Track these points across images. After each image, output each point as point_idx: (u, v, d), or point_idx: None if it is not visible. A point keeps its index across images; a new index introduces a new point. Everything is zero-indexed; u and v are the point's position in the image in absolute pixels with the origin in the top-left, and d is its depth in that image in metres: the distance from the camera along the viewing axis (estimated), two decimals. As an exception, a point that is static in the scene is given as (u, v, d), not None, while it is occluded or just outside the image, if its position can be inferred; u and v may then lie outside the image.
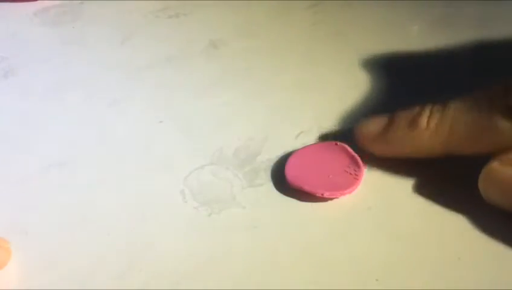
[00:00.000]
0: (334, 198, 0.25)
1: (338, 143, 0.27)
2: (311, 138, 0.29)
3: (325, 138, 0.29)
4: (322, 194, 0.25)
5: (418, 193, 0.26)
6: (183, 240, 0.24)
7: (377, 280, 0.22)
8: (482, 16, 0.39)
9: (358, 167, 0.26)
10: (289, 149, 0.28)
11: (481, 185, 0.24)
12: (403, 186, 0.26)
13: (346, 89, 0.33)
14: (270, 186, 0.27)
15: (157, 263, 0.23)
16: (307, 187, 0.26)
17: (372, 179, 0.26)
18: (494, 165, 0.23)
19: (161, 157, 0.29)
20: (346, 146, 0.27)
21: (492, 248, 0.23)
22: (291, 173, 0.27)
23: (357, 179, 0.26)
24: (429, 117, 0.24)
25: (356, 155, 0.27)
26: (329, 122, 0.30)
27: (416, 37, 0.37)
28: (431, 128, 0.24)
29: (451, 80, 0.33)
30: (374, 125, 0.26)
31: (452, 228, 0.24)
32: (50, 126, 0.31)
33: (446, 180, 0.26)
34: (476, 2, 0.40)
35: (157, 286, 0.23)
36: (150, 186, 0.27)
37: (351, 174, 0.26)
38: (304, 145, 0.28)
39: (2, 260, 0.23)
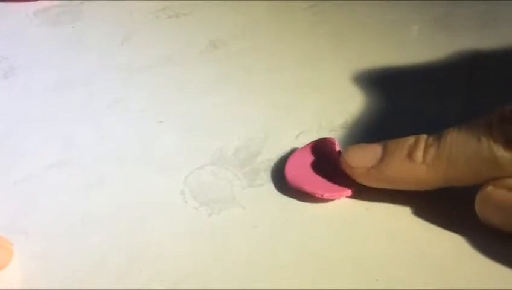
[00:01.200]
0: (334, 199, 0.25)
1: (331, 138, 0.27)
2: (311, 138, 0.29)
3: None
4: (322, 195, 0.25)
5: (417, 193, 0.26)
6: (183, 240, 0.24)
7: (377, 280, 0.22)
8: (482, 16, 0.39)
9: None
10: (289, 149, 0.28)
11: (477, 207, 0.23)
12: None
13: (346, 89, 0.33)
14: (270, 186, 0.27)
15: (157, 263, 0.23)
16: (306, 187, 0.26)
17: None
18: (489, 188, 0.22)
19: (161, 158, 0.29)
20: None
21: (493, 248, 0.23)
22: (291, 173, 0.26)
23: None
24: (425, 150, 0.23)
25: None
26: (329, 122, 0.30)
27: (416, 37, 0.37)
28: (427, 162, 0.23)
29: (451, 80, 0.33)
30: (363, 158, 0.25)
31: (452, 228, 0.24)
32: (50, 126, 0.31)
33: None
34: (476, 2, 0.40)
35: (157, 286, 0.23)
36: (150, 186, 0.27)
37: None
38: (304, 145, 0.28)
39: (3, 261, 0.23)
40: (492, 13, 0.39)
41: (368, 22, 0.39)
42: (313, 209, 0.25)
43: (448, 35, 0.37)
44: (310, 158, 0.27)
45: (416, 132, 0.28)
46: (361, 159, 0.25)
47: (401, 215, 0.25)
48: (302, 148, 0.28)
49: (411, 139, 0.24)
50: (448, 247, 0.23)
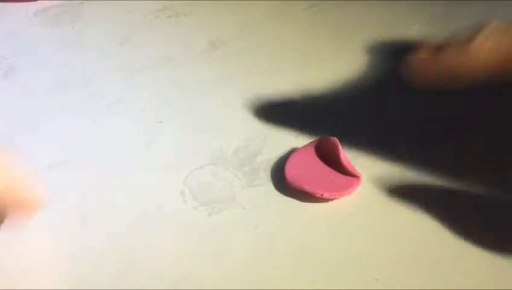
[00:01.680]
0: (333, 199, 0.25)
1: (332, 138, 0.27)
2: (311, 138, 0.29)
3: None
4: (322, 195, 0.25)
5: (418, 193, 0.26)
6: (183, 240, 0.24)
7: (376, 279, 0.22)
8: (482, 16, 0.39)
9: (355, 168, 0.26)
10: (289, 149, 0.28)
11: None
12: (402, 186, 0.26)
13: (346, 89, 0.33)
14: (270, 186, 0.27)
15: (157, 263, 0.23)
16: (306, 187, 0.26)
17: (372, 179, 0.26)
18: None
19: (161, 157, 0.29)
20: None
21: (493, 247, 0.23)
22: (291, 173, 0.27)
23: (357, 180, 0.26)
24: (486, 35, 0.23)
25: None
26: (329, 122, 0.30)
27: (416, 37, 0.37)
28: (488, 45, 0.23)
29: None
30: (425, 50, 0.25)
31: (452, 228, 0.24)
32: (50, 126, 0.31)
33: (446, 180, 0.26)
34: (476, 2, 0.40)
35: (157, 286, 0.23)
36: (150, 186, 0.27)
37: (350, 175, 0.26)
38: (304, 145, 0.28)
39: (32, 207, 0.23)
40: (492, 13, 0.39)
41: (368, 22, 0.39)
42: (313, 209, 0.25)
43: (448, 35, 0.37)
44: (310, 158, 0.27)
45: (416, 131, 0.28)
46: (421, 52, 0.25)
47: (401, 215, 0.25)
48: (302, 148, 0.28)
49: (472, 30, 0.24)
50: (448, 247, 0.23)
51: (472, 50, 0.23)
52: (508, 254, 0.23)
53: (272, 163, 0.28)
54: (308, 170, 0.27)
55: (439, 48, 0.24)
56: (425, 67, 0.24)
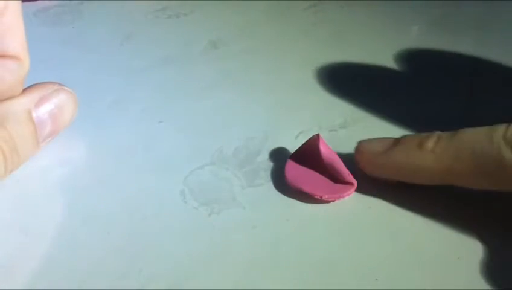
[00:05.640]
0: (333, 200, 0.25)
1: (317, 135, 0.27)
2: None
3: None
4: (321, 197, 0.25)
5: (418, 193, 0.26)
6: (183, 240, 0.24)
7: (376, 279, 0.22)
8: (482, 16, 0.39)
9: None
10: (289, 149, 0.28)
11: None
12: (402, 186, 0.26)
13: (346, 89, 0.33)
14: (270, 186, 0.27)
15: (157, 263, 0.23)
16: (306, 188, 0.26)
17: (372, 178, 0.26)
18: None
19: (161, 157, 0.29)
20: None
21: (493, 247, 0.23)
22: (291, 173, 0.26)
23: (356, 181, 0.26)
24: (436, 141, 0.24)
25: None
26: (329, 122, 0.30)
27: (416, 37, 0.37)
28: (436, 152, 0.23)
29: (451, 80, 0.33)
30: (377, 144, 0.25)
31: (452, 227, 0.24)
32: (50, 126, 0.31)
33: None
34: (476, 2, 0.40)
35: (157, 286, 0.23)
36: (150, 186, 0.27)
37: (350, 175, 0.26)
38: (302, 145, 0.28)
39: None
40: (492, 13, 0.39)
41: (368, 22, 0.39)
42: (313, 209, 0.25)
43: (448, 35, 0.37)
44: (310, 158, 0.27)
45: (415, 131, 0.28)
46: (373, 145, 0.26)
47: (401, 215, 0.25)
48: (302, 147, 0.28)
49: (425, 133, 0.25)
50: (450, 247, 0.23)
51: (421, 152, 0.24)
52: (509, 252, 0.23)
53: (272, 163, 0.28)
54: (307, 170, 0.27)
55: (393, 144, 0.25)
56: (372, 162, 0.26)
